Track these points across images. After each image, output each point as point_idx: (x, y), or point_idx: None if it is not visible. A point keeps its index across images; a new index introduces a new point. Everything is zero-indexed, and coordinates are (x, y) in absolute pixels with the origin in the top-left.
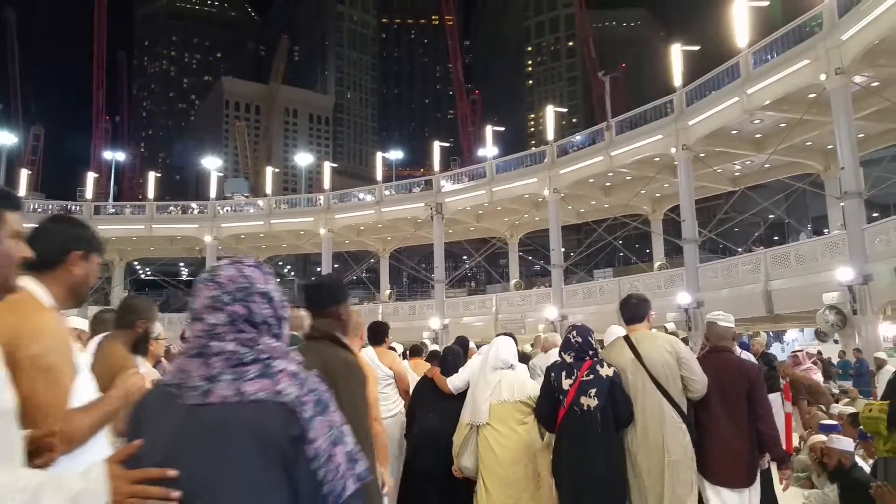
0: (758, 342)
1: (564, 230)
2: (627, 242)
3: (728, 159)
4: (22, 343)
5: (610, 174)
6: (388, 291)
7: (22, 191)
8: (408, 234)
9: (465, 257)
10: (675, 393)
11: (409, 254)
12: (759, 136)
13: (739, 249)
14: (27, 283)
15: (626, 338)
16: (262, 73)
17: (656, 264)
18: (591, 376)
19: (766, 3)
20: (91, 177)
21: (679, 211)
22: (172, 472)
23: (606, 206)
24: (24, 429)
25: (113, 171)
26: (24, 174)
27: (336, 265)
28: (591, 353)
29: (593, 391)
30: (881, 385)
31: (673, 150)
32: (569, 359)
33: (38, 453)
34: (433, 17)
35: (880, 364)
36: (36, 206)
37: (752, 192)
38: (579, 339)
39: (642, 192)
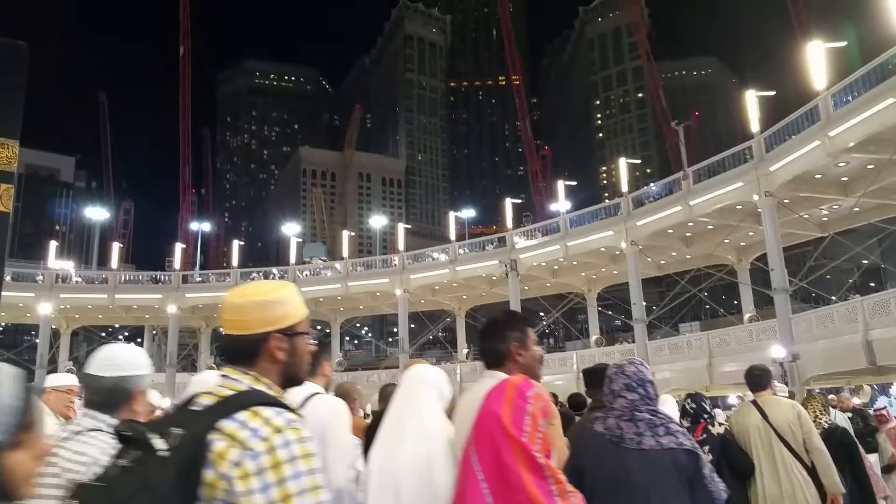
0: (844, 398)
1: (645, 283)
2: (713, 294)
3: (814, 204)
4: None
5: (690, 224)
6: (465, 351)
7: (114, 263)
8: (483, 293)
9: (541, 314)
10: (799, 450)
11: (486, 312)
12: (845, 179)
13: (834, 298)
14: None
15: (754, 402)
16: (336, 141)
17: (746, 316)
18: (705, 436)
19: (843, 44)
20: (178, 247)
21: (766, 260)
22: None
23: (688, 256)
24: None
25: (199, 241)
26: (116, 247)
27: (412, 325)
28: (705, 416)
29: (707, 448)
30: None
31: (755, 197)
32: (686, 423)
33: None
34: (499, 78)
35: None
36: (127, 278)
37: (842, 238)
38: (694, 406)
39: (726, 241)
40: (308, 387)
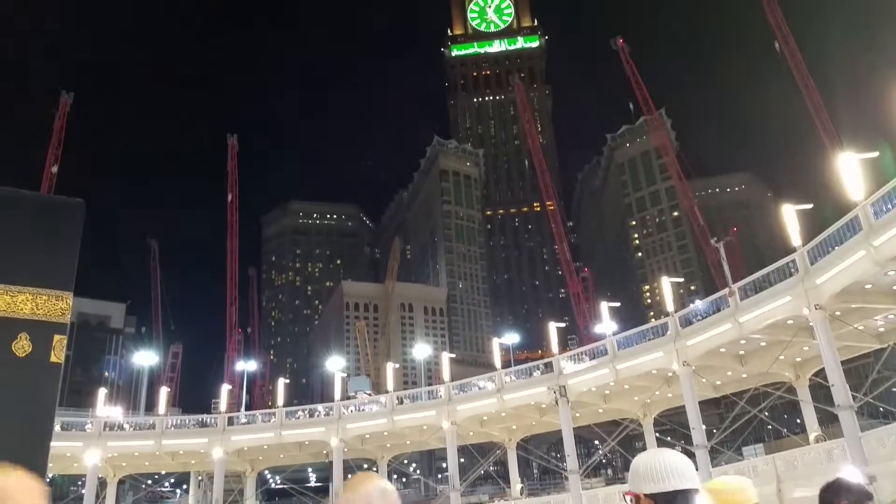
0: None
1: (702, 405)
2: (774, 413)
3: (868, 315)
4: None
5: (742, 341)
6: (519, 486)
7: (161, 408)
8: (533, 421)
9: (596, 442)
10: None
11: (537, 442)
12: None
13: None
14: None
15: None
16: (378, 273)
17: (811, 436)
18: None
19: (875, 155)
20: (225, 388)
21: (825, 375)
22: None
23: (744, 375)
24: None
25: (244, 381)
26: (164, 392)
27: (462, 459)
28: None
29: None
30: None
31: (805, 310)
32: None
33: None
34: (534, 204)
35: None
36: (174, 423)
37: None
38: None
39: (781, 357)
40: None
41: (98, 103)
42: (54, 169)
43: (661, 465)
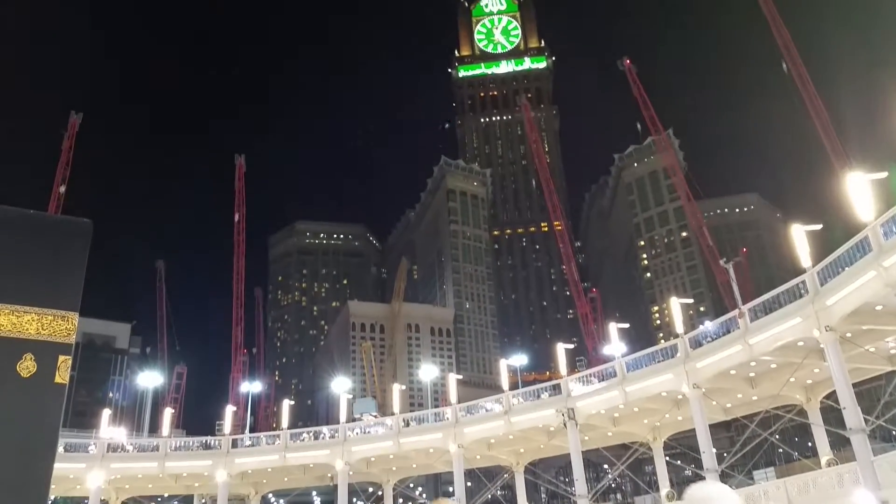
0: None
1: (713, 428)
2: (785, 436)
3: (879, 337)
4: None
5: (752, 363)
6: None
7: (165, 430)
8: (541, 445)
9: (605, 466)
10: None
11: (545, 466)
12: None
13: None
14: None
15: None
16: (384, 293)
17: (823, 460)
18: None
19: (884, 175)
20: (229, 410)
21: (837, 397)
22: None
23: (755, 398)
24: None
25: (249, 403)
26: (168, 413)
27: (469, 483)
28: None
29: None
30: None
31: (816, 332)
32: None
33: None
34: (542, 224)
35: None
36: (178, 444)
37: None
38: None
39: (791, 379)
40: None
41: (106, 123)
42: (62, 189)
43: (717, 495)
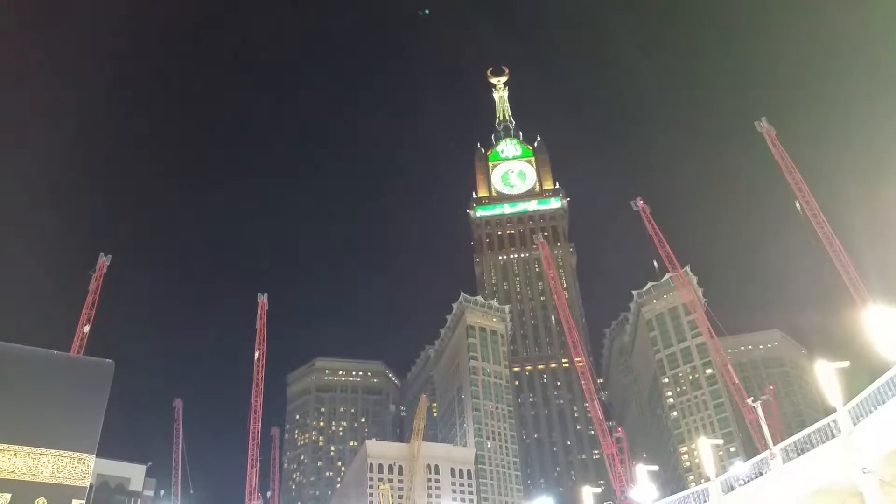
0: None
1: None
2: None
3: None
4: None
5: None
6: None
7: None
8: None
9: None
10: None
11: None
12: None
13: None
14: None
15: None
16: (403, 432)
17: None
18: None
19: None
20: None
21: None
22: None
23: None
24: None
25: None
26: None
27: None
28: None
29: None
30: None
31: (852, 474)
32: None
33: None
34: (563, 360)
35: None
36: None
37: None
38: None
39: None
40: None
41: (132, 261)
42: (86, 329)
43: None
